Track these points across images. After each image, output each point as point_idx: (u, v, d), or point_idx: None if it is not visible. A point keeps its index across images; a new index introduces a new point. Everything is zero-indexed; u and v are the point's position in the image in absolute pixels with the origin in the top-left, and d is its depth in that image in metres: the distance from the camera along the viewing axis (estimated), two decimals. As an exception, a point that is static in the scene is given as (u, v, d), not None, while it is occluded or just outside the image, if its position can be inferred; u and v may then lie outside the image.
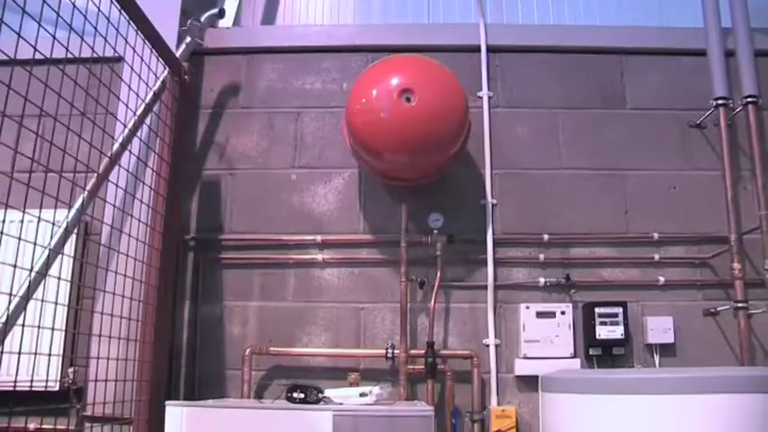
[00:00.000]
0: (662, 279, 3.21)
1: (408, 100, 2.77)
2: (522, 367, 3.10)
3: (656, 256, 3.24)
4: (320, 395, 2.52)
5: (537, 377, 2.62)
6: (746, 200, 3.23)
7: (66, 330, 2.89)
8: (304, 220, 3.32)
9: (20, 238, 1.99)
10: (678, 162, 3.36)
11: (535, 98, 3.45)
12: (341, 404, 2.46)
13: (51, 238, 2.50)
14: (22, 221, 2.04)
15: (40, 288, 2.34)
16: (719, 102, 3.23)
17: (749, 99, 3.20)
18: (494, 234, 3.25)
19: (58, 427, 2.87)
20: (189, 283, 3.28)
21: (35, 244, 2.10)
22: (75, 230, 2.82)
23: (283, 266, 3.28)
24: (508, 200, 3.31)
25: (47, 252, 2.40)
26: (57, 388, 2.96)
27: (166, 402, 2.44)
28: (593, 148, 3.38)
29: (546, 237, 3.24)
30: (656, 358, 3.12)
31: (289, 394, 2.53)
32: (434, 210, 3.18)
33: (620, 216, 3.31)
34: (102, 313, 2.52)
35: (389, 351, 3.06)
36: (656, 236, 3.25)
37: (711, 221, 3.25)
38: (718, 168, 3.26)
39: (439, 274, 3.10)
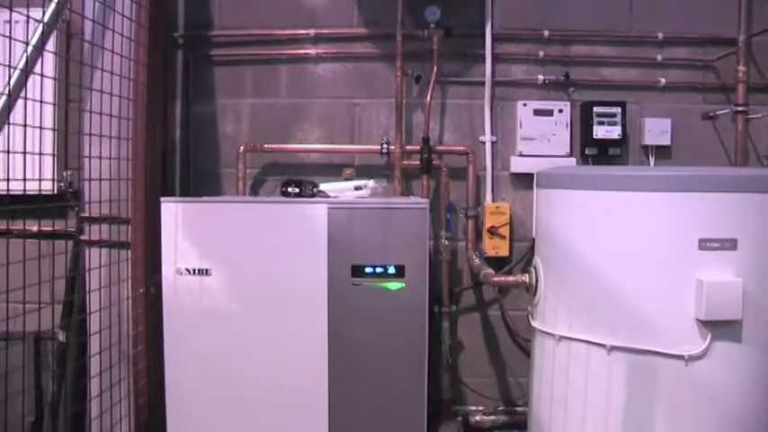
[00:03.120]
0: (663, 81, 3.17)
1: None
2: (517, 164, 3.14)
3: (659, 57, 3.17)
4: (315, 189, 2.55)
5: (532, 175, 2.61)
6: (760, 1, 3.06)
7: (56, 130, 2.86)
8: (296, 14, 3.20)
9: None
10: (690, -45, 3.19)
11: None
12: (336, 197, 2.49)
13: (30, 35, 2.38)
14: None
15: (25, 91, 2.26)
16: None
17: None
18: (492, 29, 3.14)
19: (57, 229, 2.92)
20: (179, 82, 3.23)
21: (11, 38, 2.01)
22: (57, 27, 2.69)
23: (276, 62, 3.21)
24: (508, -8, 3.18)
25: (28, 49, 2.30)
26: (54, 191, 3.00)
27: (162, 199, 2.46)
28: (600, -63, 3.19)
29: (546, 33, 3.15)
30: (652, 160, 3.15)
31: (284, 189, 2.56)
32: (431, 2, 3.04)
33: (625, 13, 3.19)
34: (91, 111, 2.47)
35: (384, 147, 3.08)
36: (660, 35, 3.16)
37: (719, 23, 3.12)
38: (733, -37, 3.08)
39: (435, 68, 3.04)
